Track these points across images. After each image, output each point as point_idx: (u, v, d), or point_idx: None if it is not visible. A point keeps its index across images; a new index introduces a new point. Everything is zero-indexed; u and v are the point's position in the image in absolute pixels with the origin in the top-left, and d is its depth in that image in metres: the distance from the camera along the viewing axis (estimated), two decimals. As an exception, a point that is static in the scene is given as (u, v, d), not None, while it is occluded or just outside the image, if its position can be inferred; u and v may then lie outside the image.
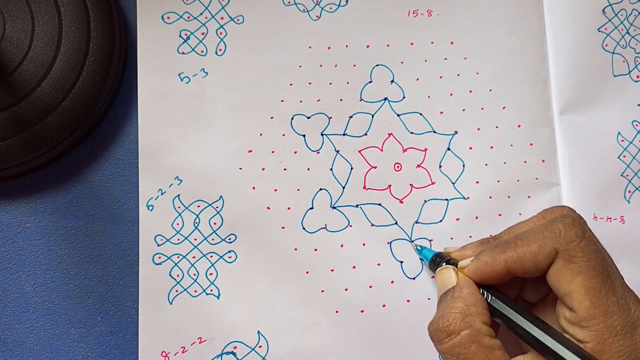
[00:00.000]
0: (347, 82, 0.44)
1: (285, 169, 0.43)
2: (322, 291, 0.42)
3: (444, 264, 0.38)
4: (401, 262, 0.43)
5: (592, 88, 0.45)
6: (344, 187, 0.43)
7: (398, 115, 0.44)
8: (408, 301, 0.42)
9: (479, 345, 0.32)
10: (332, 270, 0.42)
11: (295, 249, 0.42)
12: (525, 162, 0.44)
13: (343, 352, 0.42)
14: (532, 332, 0.33)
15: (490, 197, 0.44)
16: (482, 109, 0.44)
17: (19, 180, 0.43)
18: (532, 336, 0.33)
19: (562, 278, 0.32)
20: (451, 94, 0.44)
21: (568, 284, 0.32)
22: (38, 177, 0.43)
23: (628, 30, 0.46)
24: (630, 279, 0.35)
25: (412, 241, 0.43)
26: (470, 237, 0.43)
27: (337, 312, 0.42)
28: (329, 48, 0.44)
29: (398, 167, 0.43)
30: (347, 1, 0.45)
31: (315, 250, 0.42)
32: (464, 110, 0.44)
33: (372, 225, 0.43)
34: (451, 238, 0.43)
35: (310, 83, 0.44)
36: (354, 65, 0.44)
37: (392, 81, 0.44)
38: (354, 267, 0.42)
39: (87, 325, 0.42)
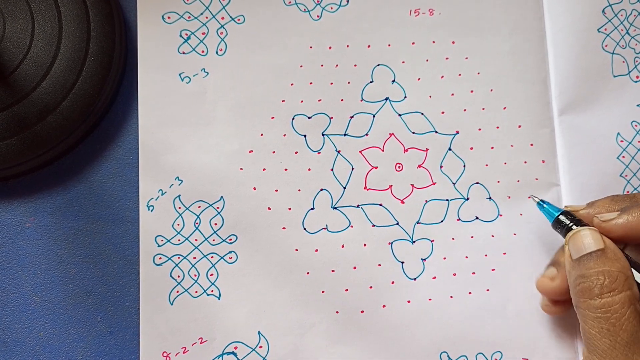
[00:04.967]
0: (348, 82, 0.44)
1: (286, 169, 0.43)
2: (323, 292, 0.42)
3: (574, 226, 0.37)
4: (402, 262, 0.43)
5: (592, 88, 0.45)
6: (344, 188, 0.43)
7: (399, 115, 0.44)
8: (408, 302, 0.42)
9: (634, 309, 0.32)
10: (332, 270, 0.42)
11: (296, 250, 0.42)
12: (525, 162, 0.44)
13: (343, 353, 0.42)
14: None
15: (491, 198, 0.44)
16: (483, 109, 0.44)
17: (19, 180, 0.43)
18: None
19: None
20: (452, 94, 0.44)
21: None
22: (38, 177, 0.43)
23: (628, 31, 0.46)
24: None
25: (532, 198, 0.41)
26: (472, 237, 0.43)
27: (337, 312, 0.42)
28: (330, 48, 0.44)
29: (399, 167, 0.43)
30: (348, 1, 0.44)
31: (316, 250, 0.42)
32: (465, 110, 0.44)
33: (373, 225, 0.43)
34: (452, 239, 0.43)
35: (311, 83, 0.44)
36: (355, 65, 0.44)
37: (394, 81, 0.44)
38: (354, 267, 0.42)
39: (87, 325, 0.42)
